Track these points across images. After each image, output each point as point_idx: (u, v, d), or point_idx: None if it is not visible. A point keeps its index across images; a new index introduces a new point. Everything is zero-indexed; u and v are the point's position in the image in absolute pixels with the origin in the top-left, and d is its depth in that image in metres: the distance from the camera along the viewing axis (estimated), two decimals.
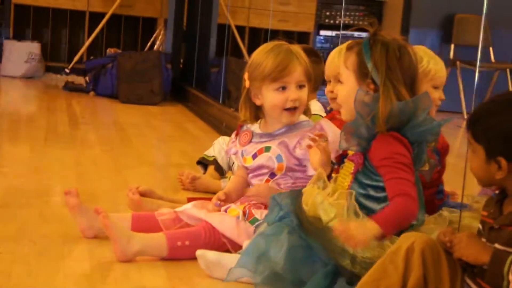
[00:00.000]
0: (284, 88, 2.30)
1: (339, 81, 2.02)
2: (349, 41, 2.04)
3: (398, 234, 1.82)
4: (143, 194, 2.63)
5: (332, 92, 2.48)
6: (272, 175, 2.33)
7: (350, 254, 1.82)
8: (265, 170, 2.34)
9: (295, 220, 1.90)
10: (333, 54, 2.53)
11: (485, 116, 1.65)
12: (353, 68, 1.96)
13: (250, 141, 2.38)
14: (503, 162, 1.62)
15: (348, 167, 1.96)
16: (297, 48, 2.35)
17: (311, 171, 2.24)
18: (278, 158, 2.31)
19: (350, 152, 1.97)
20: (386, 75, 1.89)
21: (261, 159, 2.33)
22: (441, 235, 1.70)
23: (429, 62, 2.29)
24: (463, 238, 1.65)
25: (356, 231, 1.76)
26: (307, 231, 1.87)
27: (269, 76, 2.28)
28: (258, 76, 2.31)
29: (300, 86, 2.31)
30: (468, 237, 1.66)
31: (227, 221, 2.22)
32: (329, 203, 1.89)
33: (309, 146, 2.11)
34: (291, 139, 2.31)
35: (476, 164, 1.67)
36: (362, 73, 1.93)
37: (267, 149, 2.33)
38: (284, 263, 1.84)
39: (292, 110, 2.31)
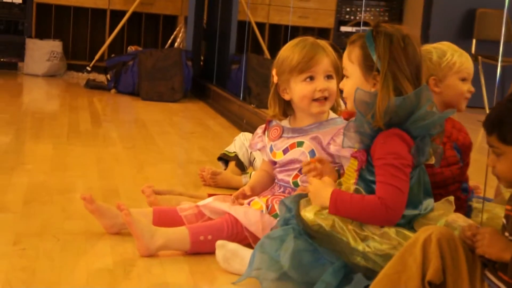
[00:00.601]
0: (312, 78, 2.30)
1: (344, 75, 2.01)
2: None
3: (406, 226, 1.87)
4: (161, 193, 2.65)
5: None
6: (300, 170, 2.33)
7: (360, 251, 1.82)
8: (296, 165, 2.33)
9: (300, 224, 1.90)
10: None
11: (511, 116, 1.62)
12: (357, 61, 1.95)
13: (281, 136, 2.38)
14: None
15: (353, 164, 1.97)
16: (323, 42, 2.36)
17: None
18: (311, 153, 2.31)
19: (354, 149, 1.97)
20: (388, 67, 1.89)
21: (294, 154, 2.33)
22: (466, 229, 1.70)
23: (453, 55, 2.29)
24: (486, 235, 1.64)
25: (314, 193, 1.93)
26: (312, 236, 1.88)
27: (297, 67, 2.30)
28: (285, 69, 2.32)
29: (328, 77, 2.32)
30: (490, 234, 1.65)
31: (251, 214, 2.22)
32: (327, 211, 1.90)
33: (303, 189, 2.12)
34: (324, 135, 2.31)
35: (506, 167, 1.64)
36: (367, 66, 1.93)
37: (300, 144, 2.33)
38: (290, 266, 1.84)
39: (322, 100, 2.31)
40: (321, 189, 1.94)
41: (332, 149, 2.28)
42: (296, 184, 2.33)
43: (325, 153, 2.29)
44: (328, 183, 1.97)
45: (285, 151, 2.36)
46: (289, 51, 2.33)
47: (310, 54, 2.29)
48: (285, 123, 2.42)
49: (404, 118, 1.88)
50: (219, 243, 2.06)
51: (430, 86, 2.27)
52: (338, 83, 2.35)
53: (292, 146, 2.35)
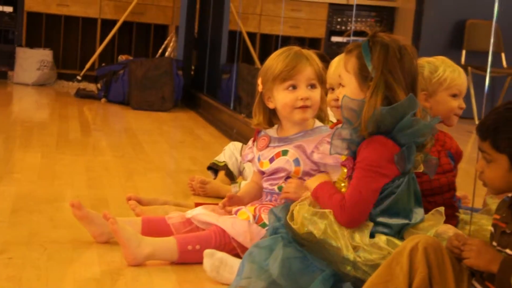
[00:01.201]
0: (294, 87, 2.31)
1: (340, 84, 2.01)
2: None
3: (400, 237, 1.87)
4: (146, 203, 2.64)
5: (336, 100, 2.46)
6: (288, 179, 2.33)
7: (351, 261, 1.82)
8: (281, 174, 2.34)
9: (290, 233, 1.90)
10: (335, 62, 2.51)
11: (506, 124, 1.63)
12: (354, 71, 1.95)
13: (268, 146, 2.39)
14: None
15: (343, 173, 1.97)
16: (308, 51, 2.36)
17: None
18: (296, 161, 2.31)
19: (343, 157, 1.97)
20: (381, 77, 1.89)
21: (279, 163, 2.33)
22: (453, 238, 1.70)
23: (445, 70, 2.30)
24: (473, 247, 1.64)
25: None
26: (302, 244, 1.88)
27: (279, 76, 2.31)
28: (269, 77, 2.34)
29: (311, 86, 2.32)
30: (478, 246, 1.65)
31: (238, 225, 2.22)
32: (319, 215, 1.89)
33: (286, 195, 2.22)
34: (308, 143, 2.32)
35: (495, 174, 1.65)
36: (363, 76, 1.93)
37: (285, 152, 2.34)
38: (280, 273, 1.83)
39: (304, 107, 2.32)
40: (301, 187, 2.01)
41: (316, 157, 2.29)
42: (281, 189, 2.34)
43: (309, 161, 2.30)
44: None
45: (271, 160, 2.36)
46: (274, 60, 2.35)
47: (292, 63, 2.30)
48: (272, 132, 2.42)
49: (391, 126, 1.88)
50: (207, 252, 2.05)
51: (421, 101, 2.27)
52: (324, 92, 2.36)
53: (277, 155, 2.35)
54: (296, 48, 2.36)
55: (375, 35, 1.94)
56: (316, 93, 2.32)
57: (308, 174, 2.30)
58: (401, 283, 1.64)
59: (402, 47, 1.93)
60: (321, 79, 2.34)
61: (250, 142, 2.53)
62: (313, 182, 2.01)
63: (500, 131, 1.64)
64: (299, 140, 2.34)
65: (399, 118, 1.88)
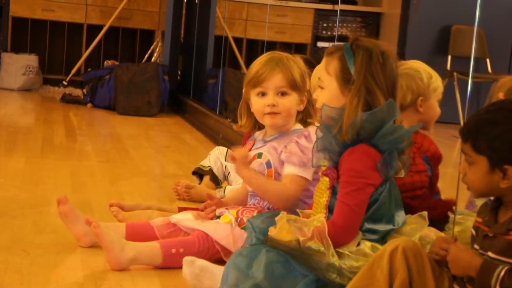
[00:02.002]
0: (263, 94, 2.34)
1: (319, 86, 2.00)
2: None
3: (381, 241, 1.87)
4: (128, 209, 2.63)
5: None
6: None
7: (336, 268, 1.81)
8: None
9: (271, 245, 1.88)
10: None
11: (486, 126, 1.63)
12: (335, 73, 1.94)
13: (251, 150, 2.41)
14: (511, 170, 1.61)
15: (324, 183, 1.96)
16: (289, 57, 2.38)
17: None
18: (268, 164, 2.34)
19: (323, 168, 1.96)
20: (363, 82, 1.89)
21: (254, 165, 2.35)
22: (435, 243, 1.70)
23: (437, 78, 2.38)
24: (449, 257, 1.64)
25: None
26: (285, 252, 1.86)
27: (251, 81, 2.36)
28: (245, 82, 2.38)
29: (282, 93, 2.33)
30: (455, 252, 1.65)
31: (221, 228, 2.22)
32: (305, 223, 1.89)
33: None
34: (280, 144, 2.34)
35: (476, 176, 1.66)
36: (344, 79, 1.92)
37: (259, 155, 2.37)
38: (264, 278, 1.82)
39: (272, 114, 2.34)
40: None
41: (283, 156, 2.31)
42: None
43: (278, 161, 2.32)
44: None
45: (249, 163, 2.36)
46: (253, 65, 2.39)
47: (262, 70, 2.33)
48: (258, 135, 2.44)
49: (372, 133, 1.88)
50: (186, 259, 2.01)
51: (417, 106, 2.35)
52: (298, 98, 2.36)
53: (254, 158, 2.37)
54: (276, 54, 2.38)
55: (358, 39, 1.94)
56: (286, 100, 2.34)
57: (280, 175, 2.32)
58: (382, 285, 1.64)
59: (384, 52, 1.93)
60: (296, 86, 2.34)
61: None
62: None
63: (480, 132, 1.64)
64: (274, 142, 2.36)
65: (379, 124, 1.87)
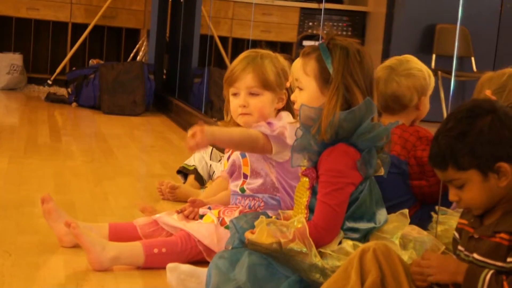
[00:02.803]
0: (236, 94, 2.35)
1: (297, 87, 1.99)
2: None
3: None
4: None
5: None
6: (244, 176, 2.35)
7: (319, 268, 1.81)
8: (236, 170, 2.36)
9: (252, 248, 1.87)
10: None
11: (458, 142, 1.62)
12: (313, 74, 1.93)
13: None
14: (504, 165, 1.60)
15: (304, 183, 1.95)
16: (265, 56, 2.36)
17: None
18: (242, 154, 2.34)
19: (303, 168, 1.96)
20: (342, 80, 1.89)
21: (232, 158, 2.37)
22: (412, 266, 1.69)
23: (431, 76, 2.43)
24: (432, 263, 1.64)
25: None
26: (267, 254, 1.86)
27: (226, 81, 2.36)
28: (223, 81, 2.39)
29: (253, 94, 2.33)
30: (437, 260, 1.64)
31: (204, 228, 2.22)
32: (285, 225, 1.88)
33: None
34: None
35: (473, 192, 1.63)
36: (323, 79, 1.92)
37: None
38: (246, 280, 1.82)
39: (244, 114, 2.33)
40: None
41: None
42: (243, 191, 2.35)
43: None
44: None
45: (228, 158, 2.40)
46: (231, 64, 2.39)
47: (235, 69, 2.34)
48: None
49: (350, 132, 1.88)
50: (170, 266, 2.00)
51: (419, 105, 2.41)
52: (272, 98, 2.34)
53: (232, 152, 2.39)
54: (253, 52, 2.38)
55: (333, 38, 1.94)
56: (258, 101, 2.32)
57: (254, 165, 2.32)
58: (355, 283, 1.64)
59: (360, 50, 1.93)
60: (269, 85, 2.33)
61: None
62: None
63: (456, 150, 1.62)
64: None
65: (357, 122, 1.87)
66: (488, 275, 1.56)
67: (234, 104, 2.34)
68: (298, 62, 2.01)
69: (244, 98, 2.32)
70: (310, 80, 1.94)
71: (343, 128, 1.87)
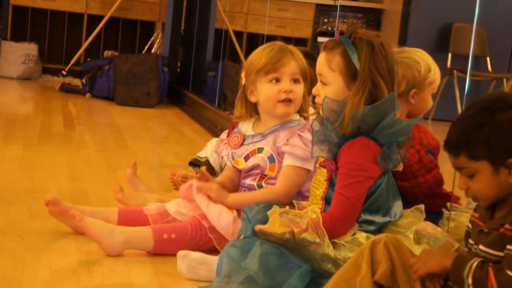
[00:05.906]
0: (278, 80, 2.31)
1: (321, 81, 1.97)
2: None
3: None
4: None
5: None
6: (265, 175, 2.33)
7: (332, 258, 1.81)
8: (257, 171, 2.34)
9: (264, 238, 1.88)
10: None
11: (474, 131, 1.61)
12: (339, 69, 1.91)
13: (241, 144, 2.37)
14: None
15: (321, 174, 1.95)
16: (293, 47, 2.36)
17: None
18: (270, 158, 2.31)
19: (321, 159, 1.96)
20: (369, 75, 1.88)
21: (254, 160, 2.32)
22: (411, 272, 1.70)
23: (435, 71, 2.33)
24: (421, 257, 1.64)
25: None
26: (278, 244, 1.86)
27: (263, 68, 2.30)
28: (253, 70, 2.32)
29: (295, 81, 2.31)
30: (425, 253, 1.65)
31: (224, 217, 2.20)
32: (297, 214, 1.88)
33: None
34: (279, 137, 2.31)
35: (481, 183, 1.63)
36: (350, 74, 1.90)
37: (260, 150, 2.33)
38: (258, 269, 1.82)
39: (287, 101, 2.30)
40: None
41: (284, 148, 2.26)
42: (260, 186, 2.33)
43: (277, 152, 2.29)
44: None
45: (246, 158, 2.35)
46: (258, 54, 2.34)
47: (277, 56, 2.30)
48: (247, 129, 2.41)
49: (372, 126, 1.87)
50: (180, 253, 2.01)
51: (408, 97, 2.30)
52: (308, 89, 2.35)
53: (252, 153, 2.34)
54: (279, 43, 2.36)
55: (356, 32, 1.92)
56: (299, 88, 2.32)
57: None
58: (367, 273, 1.65)
59: (383, 43, 1.92)
60: (305, 76, 2.33)
61: (223, 136, 2.52)
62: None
63: (471, 139, 1.61)
64: (273, 135, 2.32)
65: (380, 117, 1.87)
66: (475, 263, 1.56)
67: (274, 90, 2.29)
68: (321, 57, 1.99)
69: (288, 83, 2.30)
70: (336, 76, 1.92)
71: (366, 122, 1.86)
